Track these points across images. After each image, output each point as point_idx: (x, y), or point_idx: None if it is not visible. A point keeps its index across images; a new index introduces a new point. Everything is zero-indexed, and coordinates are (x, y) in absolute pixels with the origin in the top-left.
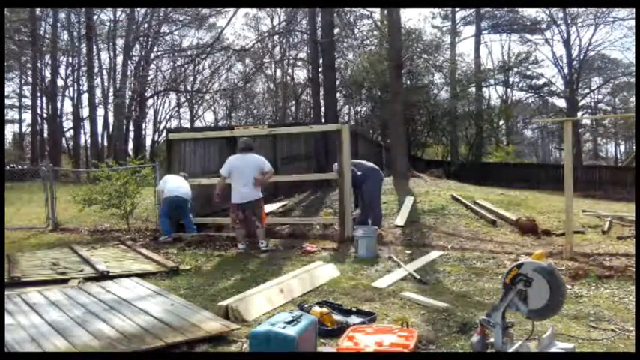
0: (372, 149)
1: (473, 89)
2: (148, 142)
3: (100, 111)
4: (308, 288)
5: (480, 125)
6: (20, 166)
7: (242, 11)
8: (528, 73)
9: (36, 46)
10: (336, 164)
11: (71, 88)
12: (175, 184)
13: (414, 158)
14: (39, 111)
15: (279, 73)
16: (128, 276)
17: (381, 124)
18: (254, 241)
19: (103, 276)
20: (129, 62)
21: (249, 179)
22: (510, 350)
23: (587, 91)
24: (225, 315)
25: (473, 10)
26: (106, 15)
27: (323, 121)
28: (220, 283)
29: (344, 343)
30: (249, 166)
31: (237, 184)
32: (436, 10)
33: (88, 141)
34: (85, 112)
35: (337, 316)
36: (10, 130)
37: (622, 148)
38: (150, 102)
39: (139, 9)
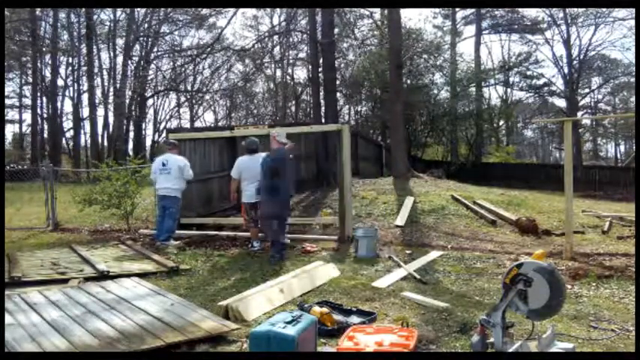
0: (372, 149)
1: (473, 89)
2: (148, 142)
3: (100, 111)
4: (308, 288)
5: (480, 125)
6: (20, 166)
7: (242, 11)
8: (528, 73)
9: (36, 46)
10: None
11: (71, 88)
12: (162, 177)
13: (414, 158)
14: (39, 111)
15: (279, 73)
16: (128, 276)
17: (381, 124)
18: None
19: (102, 276)
20: (129, 62)
21: (258, 179)
22: (510, 350)
23: (587, 91)
24: (225, 315)
25: (473, 9)
26: (105, 15)
27: (323, 121)
28: (220, 283)
29: (344, 343)
30: (258, 166)
31: (247, 184)
32: (437, 10)
33: (88, 141)
34: (85, 112)
35: (337, 316)
36: (10, 130)
37: (622, 148)
38: (150, 102)
39: (138, 9)
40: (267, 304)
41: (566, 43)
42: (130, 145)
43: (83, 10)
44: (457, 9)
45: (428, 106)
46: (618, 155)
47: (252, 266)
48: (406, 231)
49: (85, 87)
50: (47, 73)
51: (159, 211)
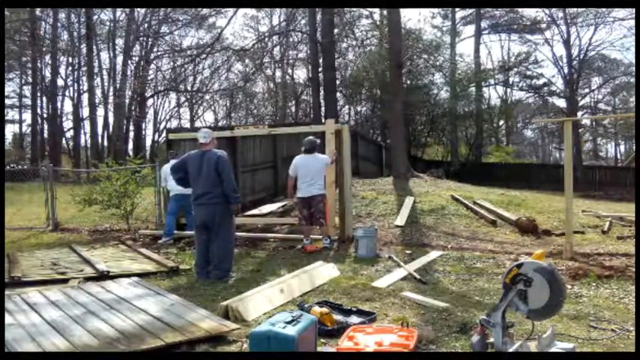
0: (372, 149)
1: (473, 89)
2: (148, 142)
3: (100, 111)
4: (308, 288)
5: (480, 125)
6: (20, 166)
7: (242, 11)
8: (528, 73)
9: (36, 46)
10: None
11: (71, 88)
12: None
13: (414, 158)
14: (39, 111)
15: (279, 73)
16: (128, 276)
17: (381, 124)
18: (255, 241)
19: (102, 276)
20: (129, 62)
21: (314, 178)
22: (510, 350)
23: (587, 91)
24: (226, 315)
25: (473, 10)
26: (106, 15)
27: (323, 121)
28: (220, 283)
29: (344, 343)
30: (315, 166)
31: (302, 183)
32: (436, 10)
33: (88, 141)
34: (85, 112)
35: (337, 316)
36: (10, 130)
37: (622, 148)
38: (150, 102)
39: (139, 9)
40: (267, 304)
41: (566, 43)
42: (130, 145)
43: (83, 10)
44: (457, 9)
45: (428, 106)
46: (618, 155)
47: (252, 266)
48: (406, 231)
49: (85, 87)
50: (47, 73)
51: (176, 210)
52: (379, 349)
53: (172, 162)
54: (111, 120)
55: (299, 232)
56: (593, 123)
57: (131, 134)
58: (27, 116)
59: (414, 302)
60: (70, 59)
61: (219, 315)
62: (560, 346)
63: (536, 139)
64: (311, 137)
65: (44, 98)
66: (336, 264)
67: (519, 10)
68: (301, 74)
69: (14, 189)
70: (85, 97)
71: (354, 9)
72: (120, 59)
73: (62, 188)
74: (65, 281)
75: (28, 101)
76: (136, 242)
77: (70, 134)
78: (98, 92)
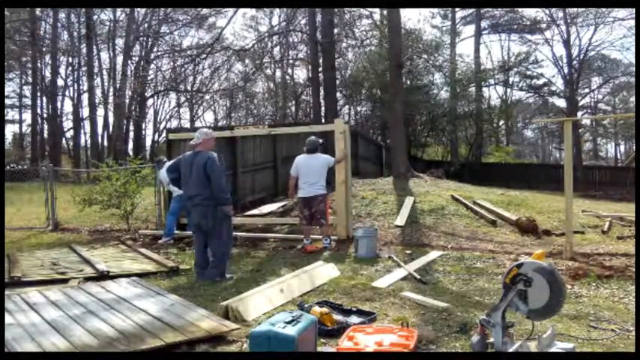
0: (372, 149)
1: (473, 89)
2: (148, 142)
3: (100, 111)
4: (308, 288)
5: (480, 125)
6: (20, 166)
7: (242, 11)
8: (528, 73)
9: (36, 46)
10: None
11: (71, 88)
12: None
13: (414, 158)
14: (39, 111)
15: (279, 73)
16: (128, 276)
17: (381, 124)
18: (255, 240)
19: (102, 276)
20: (129, 62)
21: (316, 178)
22: (510, 350)
23: (587, 91)
24: (226, 315)
25: (473, 10)
26: (106, 15)
27: (323, 121)
28: (220, 283)
29: (344, 343)
30: (316, 166)
31: (303, 183)
32: (436, 10)
33: (88, 141)
34: (85, 112)
35: (337, 316)
36: (10, 130)
37: (622, 148)
38: (150, 102)
39: (139, 9)
40: (267, 304)
41: (566, 43)
42: (130, 145)
43: (83, 10)
44: (457, 9)
45: (428, 106)
46: (618, 155)
47: (252, 266)
48: (406, 231)
49: (85, 87)
50: (47, 73)
51: (178, 211)
52: (379, 349)
53: (167, 164)
54: (111, 120)
55: (299, 232)
56: (593, 123)
57: (131, 134)
58: (27, 116)
59: (414, 302)
60: (70, 59)
61: (219, 315)
62: (560, 346)
63: (536, 139)
64: (313, 137)
65: (44, 98)
66: (336, 264)
67: (519, 10)
68: (301, 74)
69: (14, 189)
70: (85, 97)
71: (354, 9)
72: (120, 59)
73: (62, 188)
74: (65, 281)
75: (28, 101)
76: (136, 242)
77: (70, 134)
78: (98, 92)
